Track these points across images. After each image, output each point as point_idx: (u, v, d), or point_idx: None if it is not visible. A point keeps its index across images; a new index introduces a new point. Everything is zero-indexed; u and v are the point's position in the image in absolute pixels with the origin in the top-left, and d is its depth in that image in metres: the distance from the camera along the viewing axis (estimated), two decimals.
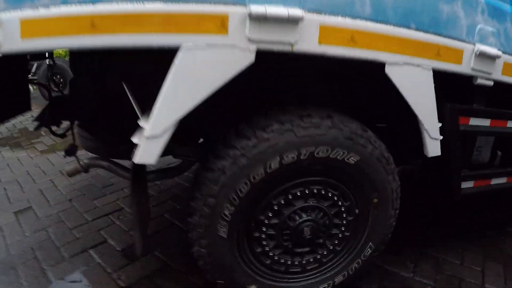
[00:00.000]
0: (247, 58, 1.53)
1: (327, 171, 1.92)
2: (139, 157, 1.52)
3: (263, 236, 1.96)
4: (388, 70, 1.81)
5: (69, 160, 4.08)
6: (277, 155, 1.73)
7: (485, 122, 2.32)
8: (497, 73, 2.23)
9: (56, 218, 3.09)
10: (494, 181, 2.56)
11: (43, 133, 5.24)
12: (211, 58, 1.49)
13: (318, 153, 1.79)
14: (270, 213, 1.92)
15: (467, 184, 2.39)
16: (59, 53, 8.38)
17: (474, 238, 3.01)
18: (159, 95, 1.47)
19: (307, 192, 1.94)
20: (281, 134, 1.74)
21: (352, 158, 1.86)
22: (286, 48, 1.60)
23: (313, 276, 2.15)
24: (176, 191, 3.55)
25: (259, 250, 1.99)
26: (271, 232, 1.96)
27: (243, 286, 1.99)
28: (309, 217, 1.97)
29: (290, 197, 1.92)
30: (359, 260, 2.16)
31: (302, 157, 1.77)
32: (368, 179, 1.95)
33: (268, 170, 1.75)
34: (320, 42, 1.65)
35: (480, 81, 2.19)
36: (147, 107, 1.67)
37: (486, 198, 3.58)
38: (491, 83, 2.23)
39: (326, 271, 2.16)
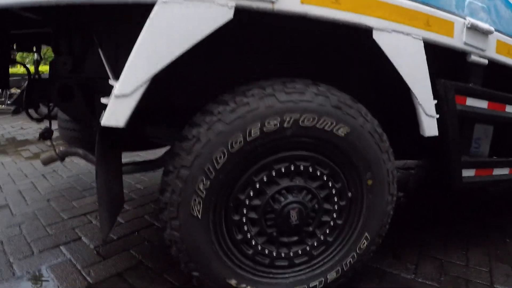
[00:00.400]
0: (225, 14, 1.42)
1: (315, 145, 1.72)
2: (106, 118, 1.37)
3: (244, 220, 1.74)
4: (376, 36, 1.69)
5: (52, 165, 3.96)
6: (258, 121, 1.55)
7: (483, 104, 2.18)
8: (491, 51, 2.14)
9: (31, 216, 2.99)
10: (496, 172, 2.39)
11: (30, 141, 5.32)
12: (188, 12, 1.38)
13: (303, 121, 1.61)
14: (251, 192, 1.71)
15: (468, 173, 2.21)
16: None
17: (477, 240, 2.83)
18: (132, 52, 1.35)
19: (292, 168, 1.74)
20: (262, 99, 1.57)
21: (341, 129, 1.69)
22: (267, 7, 1.48)
23: (302, 272, 1.90)
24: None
25: (239, 237, 1.76)
26: (253, 215, 1.75)
27: (221, 280, 1.75)
28: (296, 199, 1.76)
29: (273, 173, 1.72)
30: (354, 253, 1.92)
31: (285, 125, 1.59)
32: (361, 156, 1.76)
33: (247, 138, 1.56)
34: (302, 1, 1.54)
35: (474, 58, 2.08)
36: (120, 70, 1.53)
37: (485, 199, 3.51)
38: (485, 61, 2.13)
39: (317, 266, 1.91)
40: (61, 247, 2.48)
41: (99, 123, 1.48)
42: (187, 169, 1.56)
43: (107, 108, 1.37)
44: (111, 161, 1.80)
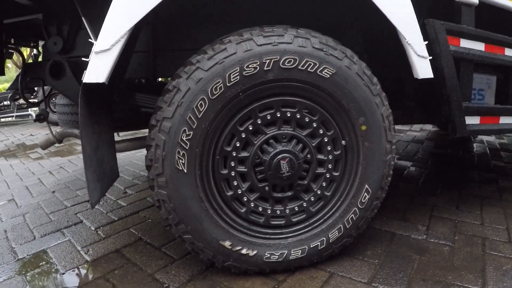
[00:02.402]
0: None
1: (300, 89, 1.64)
2: (87, 75, 1.41)
3: (233, 174, 1.67)
4: None
5: (60, 162, 4.15)
6: (237, 66, 1.51)
7: (479, 46, 2.07)
8: None
9: (35, 206, 3.02)
10: (504, 120, 2.26)
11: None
12: None
13: (284, 63, 1.55)
14: (237, 143, 1.64)
15: (472, 120, 2.10)
16: None
17: (492, 201, 2.70)
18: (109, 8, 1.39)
19: (278, 115, 1.66)
20: (240, 44, 1.53)
21: (326, 71, 1.61)
22: None
23: (301, 231, 1.80)
24: None
25: (230, 193, 1.68)
26: (242, 169, 1.67)
27: (215, 242, 1.67)
28: (285, 148, 1.68)
29: (259, 122, 1.64)
30: (356, 209, 1.80)
31: (265, 67, 1.53)
32: (351, 99, 1.67)
33: (227, 83, 1.51)
34: None
35: None
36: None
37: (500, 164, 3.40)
38: (476, 1, 2.03)
39: (316, 224, 1.81)
40: (63, 230, 2.47)
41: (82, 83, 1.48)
42: (168, 120, 1.52)
43: (88, 65, 1.40)
44: (98, 126, 1.76)
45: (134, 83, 2.65)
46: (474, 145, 4.61)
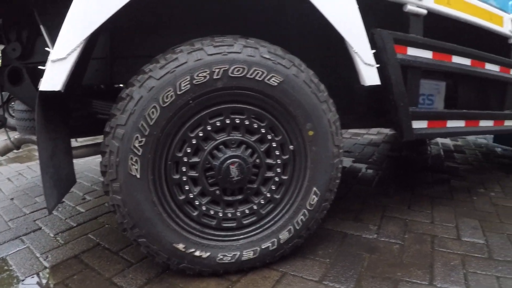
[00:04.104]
0: None
1: (249, 96, 1.70)
2: (43, 83, 1.43)
3: (184, 178, 1.72)
4: None
5: (18, 169, 4.04)
6: (187, 75, 1.56)
7: (427, 54, 2.17)
8: (429, 1, 2.14)
9: None
10: (451, 124, 2.37)
11: None
12: None
13: (233, 72, 1.61)
14: (188, 148, 1.69)
15: (420, 124, 2.20)
16: None
17: (443, 201, 2.83)
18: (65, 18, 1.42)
19: (228, 122, 1.72)
20: (191, 53, 1.58)
21: (274, 79, 1.67)
22: None
23: (253, 233, 1.87)
24: None
25: (182, 197, 1.73)
26: (193, 173, 1.73)
27: (169, 245, 1.72)
28: (234, 153, 1.74)
29: (209, 128, 1.70)
30: (305, 210, 1.87)
31: (215, 76, 1.59)
32: (298, 106, 1.73)
33: (178, 92, 1.57)
34: None
35: (410, 7, 2.09)
36: None
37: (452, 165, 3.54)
38: (424, 11, 2.12)
39: (267, 225, 1.88)
40: (22, 238, 2.44)
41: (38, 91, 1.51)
42: (122, 127, 1.56)
43: (44, 74, 1.42)
44: (55, 132, 1.79)
45: (94, 89, 2.66)
46: (429, 147, 4.76)
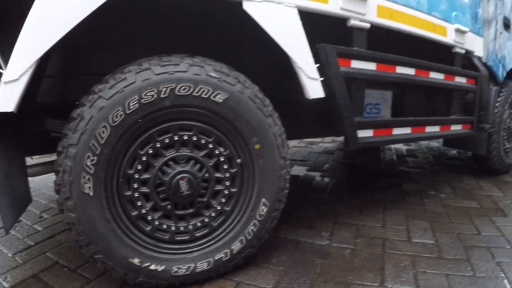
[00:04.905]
0: None
1: (196, 114, 1.76)
2: None
3: (136, 195, 1.76)
4: (247, 7, 1.78)
5: None
6: (136, 94, 1.61)
7: (371, 66, 2.27)
8: (372, 15, 2.23)
9: None
10: (397, 131, 2.48)
11: None
12: None
13: (179, 91, 1.67)
14: (139, 165, 1.74)
15: (365, 133, 2.30)
16: None
17: (394, 204, 2.93)
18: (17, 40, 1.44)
19: (176, 138, 1.77)
20: (139, 73, 1.64)
21: (219, 96, 1.74)
22: None
23: (205, 245, 1.92)
24: None
25: (135, 213, 1.78)
26: (145, 189, 1.77)
27: (124, 260, 1.75)
28: (183, 169, 1.79)
29: (158, 145, 1.75)
30: (255, 221, 1.93)
31: (162, 95, 1.65)
32: (243, 121, 1.81)
33: (127, 111, 1.62)
34: None
35: (353, 22, 2.18)
36: None
37: (404, 169, 3.61)
38: (367, 25, 2.22)
39: (219, 237, 1.93)
40: None
41: None
42: (74, 147, 1.59)
43: None
44: (8, 152, 1.80)
45: (48, 107, 2.66)
46: (382, 152, 4.91)
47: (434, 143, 5.47)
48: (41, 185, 3.87)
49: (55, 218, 2.97)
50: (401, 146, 5.28)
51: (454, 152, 4.98)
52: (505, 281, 1.95)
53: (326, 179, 3.80)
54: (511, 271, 2.04)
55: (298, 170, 4.16)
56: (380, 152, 4.86)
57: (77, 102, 1.66)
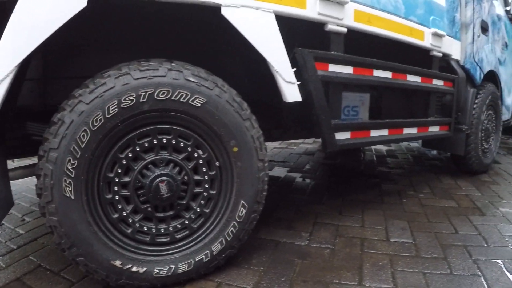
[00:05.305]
0: (80, 3, 1.55)
1: (175, 117, 1.80)
2: None
3: (117, 198, 1.79)
4: (225, 12, 1.81)
5: None
6: (115, 99, 1.65)
7: (348, 70, 2.32)
8: (349, 20, 2.28)
9: None
10: (374, 133, 2.53)
11: None
12: (44, 2, 1.51)
13: (158, 95, 1.70)
14: (119, 169, 1.77)
15: (343, 135, 2.35)
16: None
17: (374, 205, 3.00)
18: None
19: (155, 142, 1.80)
20: (118, 78, 1.67)
21: (197, 100, 1.78)
22: None
23: (186, 246, 1.95)
24: None
25: (115, 216, 1.80)
26: (125, 192, 1.80)
27: (106, 263, 1.77)
28: (163, 172, 1.82)
29: (138, 149, 1.78)
30: (235, 223, 1.97)
31: (141, 99, 1.68)
32: (221, 124, 1.85)
33: (107, 115, 1.65)
34: None
35: (331, 27, 2.22)
36: None
37: (383, 170, 3.65)
38: (344, 29, 2.27)
39: (199, 238, 1.97)
40: None
41: None
42: (55, 151, 1.62)
43: None
44: None
45: (29, 110, 2.67)
46: (362, 153, 4.98)
47: (414, 144, 5.56)
48: (23, 188, 3.85)
49: (37, 221, 2.98)
50: (381, 147, 5.36)
51: (434, 152, 5.08)
52: (482, 279, 2.01)
53: (307, 180, 3.85)
54: (487, 269, 2.11)
55: (279, 172, 4.21)
56: (360, 153, 4.93)
57: (59, 106, 1.68)
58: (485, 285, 1.95)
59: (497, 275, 2.05)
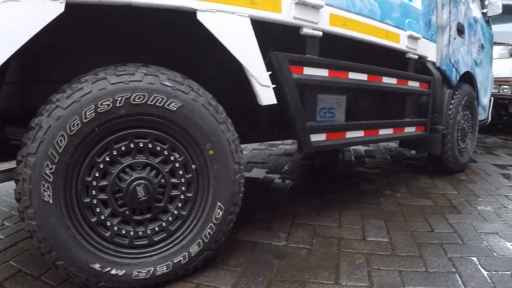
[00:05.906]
0: (57, 9, 1.56)
1: (151, 121, 1.83)
2: None
3: (95, 201, 1.81)
4: (201, 17, 1.84)
5: None
6: (92, 103, 1.67)
7: (323, 73, 2.37)
8: (324, 23, 2.32)
9: None
10: (350, 135, 2.59)
11: None
12: (22, 9, 1.51)
13: (134, 100, 1.73)
14: (97, 173, 1.79)
15: (318, 137, 2.39)
16: None
17: (351, 205, 3.05)
18: None
19: (132, 146, 1.83)
20: (95, 83, 1.69)
21: (173, 104, 1.81)
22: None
23: (164, 248, 1.98)
24: None
25: (94, 219, 1.82)
26: (103, 196, 1.82)
27: (85, 266, 1.79)
28: (140, 175, 1.85)
29: (115, 153, 1.81)
30: (212, 224, 2.00)
31: (118, 104, 1.71)
32: (197, 128, 1.88)
33: (84, 120, 1.67)
34: None
35: (306, 30, 2.26)
36: None
37: (361, 170, 3.70)
38: (319, 33, 2.31)
39: (177, 241, 2.00)
40: None
41: None
42: (33, 155, 1.63)
43: None
44: None
45: (8, 114, 2.66)
46: (341, 154, 5.04)
47: (393, 144, 5.64)
48: (2, 192, 3.82)
49: (17, 226, 2.97)
50: (360, 148, 5.43)
51: (413, 152, 5.17)
52: (457, 275, 2.06)
53: (287, 181, 3.90)
54: (462, 266, 2.17)
55: (258, 173, 4.25)
56: (338, 154, 4.99)
57: (36, 111, 1.69)
58: (460, 282, 2.00)
59: (472, 271, 2.11)
